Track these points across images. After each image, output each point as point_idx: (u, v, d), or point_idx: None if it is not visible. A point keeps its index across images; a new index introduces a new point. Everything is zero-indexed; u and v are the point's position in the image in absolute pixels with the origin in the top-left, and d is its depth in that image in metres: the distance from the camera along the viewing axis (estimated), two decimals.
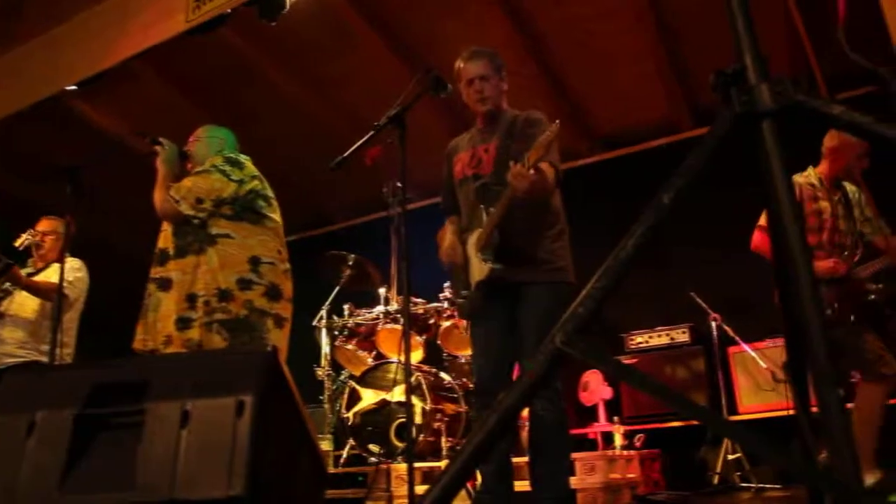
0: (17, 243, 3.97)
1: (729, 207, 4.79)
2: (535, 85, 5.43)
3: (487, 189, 2.77)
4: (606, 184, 5.96)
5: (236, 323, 2.83)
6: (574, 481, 3.51)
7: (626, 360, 5.04)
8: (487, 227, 2.70)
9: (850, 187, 3.55)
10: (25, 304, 3.93)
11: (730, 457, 4.29)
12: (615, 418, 4.74)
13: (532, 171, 2.46)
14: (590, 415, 4.99)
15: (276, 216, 3.14)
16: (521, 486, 2.92)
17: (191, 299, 2.83)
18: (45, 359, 3.78)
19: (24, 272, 4.00)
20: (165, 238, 2.99)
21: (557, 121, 2.52)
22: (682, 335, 5.09)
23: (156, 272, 2.94)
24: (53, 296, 3.54)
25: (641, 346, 5.21)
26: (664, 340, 5.15)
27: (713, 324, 4.74)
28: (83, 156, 3.71)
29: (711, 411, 4.25)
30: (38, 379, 1.91)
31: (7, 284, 3.93)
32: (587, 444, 4.75)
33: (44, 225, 4.15)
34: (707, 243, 5.13)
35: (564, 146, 6.20)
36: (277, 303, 2.96)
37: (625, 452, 4.17)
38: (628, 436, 4.58)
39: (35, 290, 3.89)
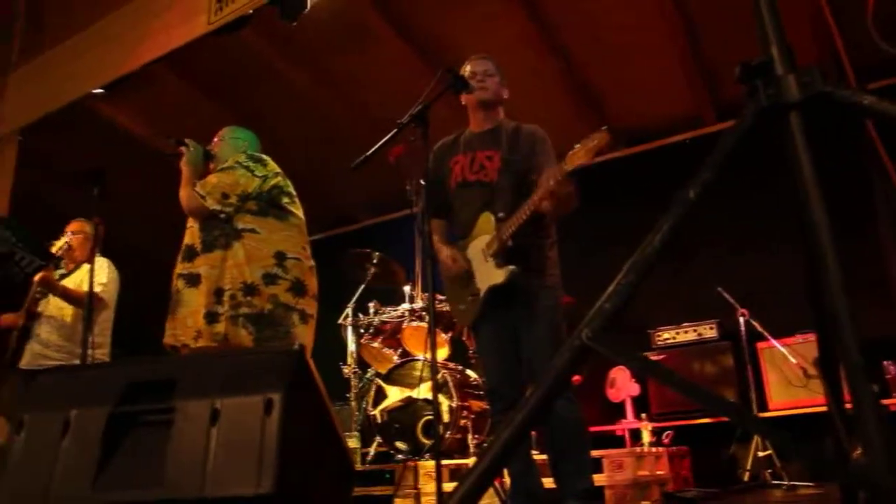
0: (53, 249, 4.02)
1: (754, 200, 4.74)
2: (554, 81, 5.41)
3: (495, 196, 2.79)
4: (627, 180, 5.92)
5: (261, 317, 2.85)
6: (602, 478, 3.50)
7: (653, 357, 5.00)
8: (504, 233, 2.71)
9: None
10: (62, 305, 4.00)
11: (760, 454, 4.24)
12: (643, 415, 4.71)
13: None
14: (617, 411, 4.97)
15: (300, 213, 3.17)
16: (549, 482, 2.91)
17: (218, 293, 2.85)
18: (78, 362, 3.84)
19: (56, 273, 4.08)
20: (192, 234, 3.02)
21: (605, 127, 2.51)
22: (709, 331, 5.04)
23: (183, 268, 2.96)
24: (85, 303, 3.59)
25: (668, 342, 5.16)
26: (691, 336, 5.10)
27: (741, 319, 4.68)
28: (109, 158, 3.79)
29: (741, 407, 4.20)
30: (71, 378, 1.94)
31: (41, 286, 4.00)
32: (615, 441, 4.72)
33: (73, 226, 4.22)
34: (733, 237, 5.08)
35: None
36: (303, 298, 2.98)
37: (653, 449, 4.14)
38: (656, 432, 4.54)
39: (69, 298, 3.95)
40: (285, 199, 3.11)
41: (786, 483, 4.04)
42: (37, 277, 3.87)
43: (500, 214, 2.75)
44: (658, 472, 3.96)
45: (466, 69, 2.97)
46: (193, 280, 2.90)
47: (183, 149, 3.14)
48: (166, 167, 3.35)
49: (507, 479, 2.98)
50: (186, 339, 2.84)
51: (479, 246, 2.82)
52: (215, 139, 3.34)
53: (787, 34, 1.00)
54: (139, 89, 5.23)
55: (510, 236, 2.69)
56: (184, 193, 3.02)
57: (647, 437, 4.47)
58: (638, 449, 4.05)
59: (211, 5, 4.24)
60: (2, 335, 4.17)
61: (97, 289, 3.91)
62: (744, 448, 4.40)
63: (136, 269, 4.33)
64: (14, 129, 5.29)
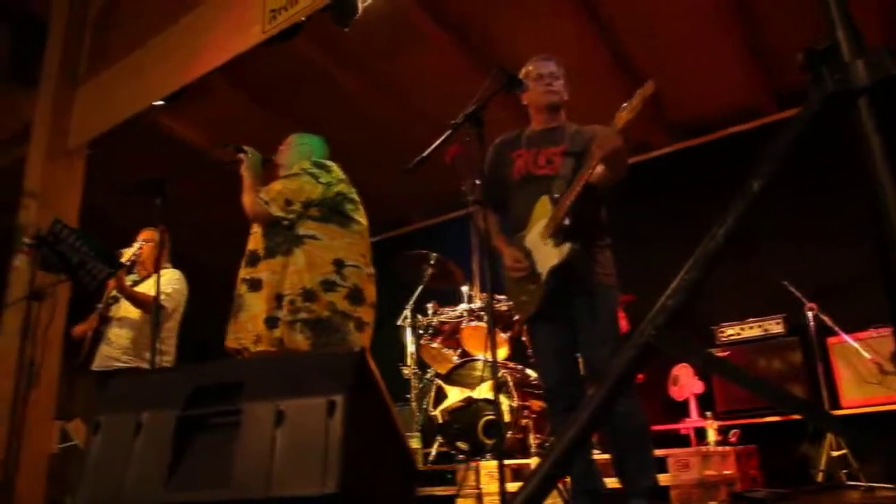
0: (124, 258, 4.16)
1: (821, 190, 4.59)
2: (607, 75, 5.33)
3: (554, 183, 2.79)
4: (684, 174, 5.81)
5: (318, 323, 2.86)
6: (667, 478, 3.44)
7: (717, 353, 4.89)
8: (560, 211, 2.70)
9: None
10: (131, 310, 4.14)
11: (834, 453, 4.09)
12: (707, 413, 4.60)
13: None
14: (680, 410, 4.87)
15: (363, 220, 3.18)
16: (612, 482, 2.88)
17: (278, 299, 2.89)
18: (146, 366, 3.97)
19: (129, 279, 4.23)
20: (255, 240, 3.07)
21: (651, 81, 2.54)
22: (775, 326, 4.89)
23: (246, 273, 3.01)
24: (151, 308, 3.71)
25: (732, 338, 5.03)
26: (756, 332, 4.96)
27: (809, 313, 4.53)
28: (170, 168, 3.91)
29: (815, 404, 4.07)
30: (142, 381, 2.01)
31: (114, 292, 4.15)
32: (679, 440, 4.62)
33: (143, 235, 4.36)
34: (798, 228, 4.92)
35: (638, 137, 6.13)
36: (360, 306, 2.99)
37: (719, 448, 4.04)
38: (722, 431, 4.43)
39: (135, 300, 4.09)
40: (349, 206, 3.12)
41: (863, 484, 3.89)
42: (112, 284, 4.01)
43: (556, 195, 2.75)
44: (725, 472, 3.86)
45: (529, 69, 2.96)
46: (255, 285, 2.95)
47: (241, 156, 3.20)
48: (222, 175, 3.43)
49: (569, 479, 2.95)
50: (247, 342, 2.89)
51: (537, 231, 2.80)
52: (282, 146, 3.39)
53: (854, 13, 0.96)
54: (196, 100, 5.36)
55: (566, 213, 2.67)
56: (247, 199, 3.06)
57: (712, 435, 4.37)
58: (704, 448, 3.96)
59: (264, 15, 4.32)
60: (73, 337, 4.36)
61: (160, 297, 4.04)
62: (816, 447, 4.26)
63: (192, 275, 4.44)
64: (82, 143, 5.49)
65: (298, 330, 2.84)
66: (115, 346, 4.10)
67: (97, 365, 4.09)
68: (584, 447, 2.27)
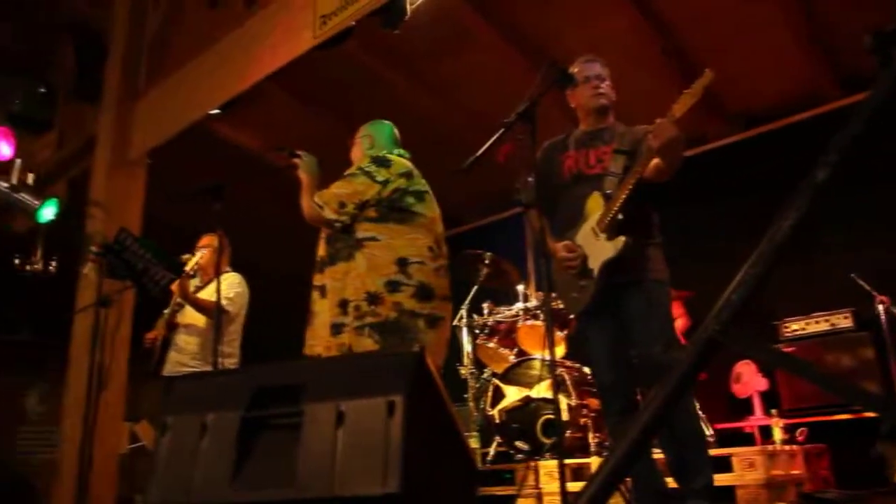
0: (188, 267, 4.27)
1: (888, 178, 4.42)
2: (661, 68, 5.23)
3: (604, 181, 2.78)
4: (744, 165, 5.66)
5: (386, 326, 2.83)
6: (732, 478, 3.35)
7: (782, 349, 4.74)
8: (610, 207, 2.69)
9: None
10: (197, 316, 4.26)
11: None
12: (773, 411, 4.47)
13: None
14: (744, 408, 4.74)
15: (429, 211, 3.13)
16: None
17: (343, 305, 2.89)
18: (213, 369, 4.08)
19: (192, 284, 4.34)
20: (322, 246, 3.09)
21: (710, 69, 2.56)
22: (843, 320, 4.72)
23: (317, 279, 3.03)
24: (209, 307, 3.79)
25: (798, 333, 4.87)
26: (823, 327, 4.79)
27: (880, 307, 4.36)
28: (227, 174, 3.99)
29: (893, 401, 3.91)
30: (206, 383, 2.06)
31: (179, 298, 4.27)
32: (742, 439, 4.51)
33: (203, 241, 4.47)
34: (865, 219, 4.74)
35: (695, 129, 5.99)
36: (429, 302, 2.92)
37: (787, 447, 3.92)
38: (789, 429, 4.30)
39: (199, 306, 4.19)
40: (409, 200, 3.06)
41: None
42: (174, 284, 4.13)
43: (608, 191, 2.74)
44: (793, 472, 3.75)
45: (575, 71, 2.93)
46: (323, 291, 2.97)
47: (296, 160, 3.24)
48: (278, 179, 3.49)
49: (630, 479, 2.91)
50: (319, 349, 2.91)
51: (589, 227, 2.79)
52: (353, 139, 3.42)
53: None
54: (251, 107, 5.46)
55: (620, 207, 2.66)
56: (305, 203, 3.07)
57: (778, 434, 4.24)
58: (770, 447, 3.85)
59: (315, 21, 4.37)
60: (141, 342, 4.50)
61: (223, 302, 4.13)
62: (893, 446, 4.08)
63: (251, 279, 4.52)
64: (143, 154, 5.66)
65: (367, 335, 2.82)
66: (184, 352, 4.21)
67: (168, 371, 4.21)
68: (646, 447, 2.24)
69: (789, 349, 4.75)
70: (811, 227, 0.97)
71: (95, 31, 6.21)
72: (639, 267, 2.72)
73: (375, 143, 3.33)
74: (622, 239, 2.65)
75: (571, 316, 4.52)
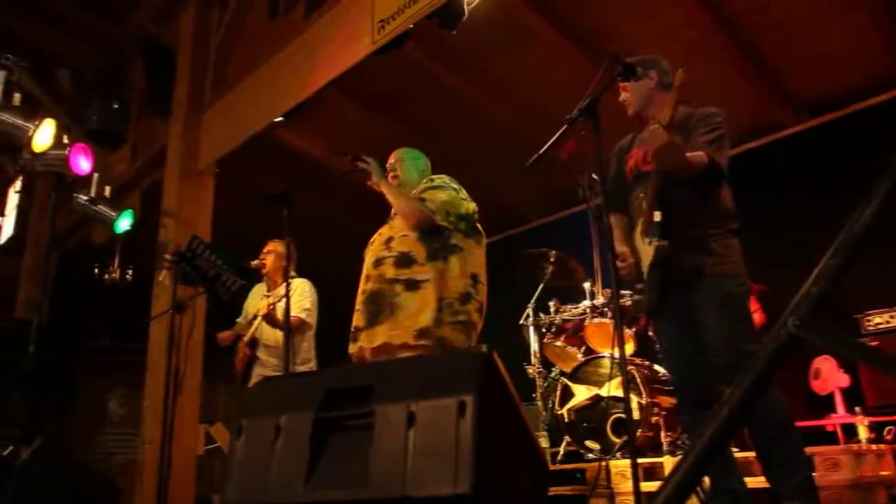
0: (263, 273, 4.36)
1: None
2: (725, 57, 5.09)
3: (646, 178, 2.72)
4: (816, 153, 5.45)
5: (468, 326, 3.04)
6: (815, 478, 3.23)
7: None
8: (647, 209, 2.65)
9: None
10: (275, 331, 4.34)
11: None
12: (857, 408, 4.28)
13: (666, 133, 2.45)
14: (824, 405, 4.56)
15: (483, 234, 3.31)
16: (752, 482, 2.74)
17: (440, 301, 3.00)
18: None
19: (260, 293, 4.44)
20: (407, 243, 3.13)
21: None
22: None
23: (399, 273, 3.08)
24: (294, 325, 3.88)
25: (881, 327, 4.65)
26: None
27: None
28: (291, 179, 4.08)
29: None
30: (279, 387, 2.10)
31: (258, 319, 4.36)
32: (824, 438, 4.33)
33: (268, 246, 4.56)
34: None
35: (765, 118, 5.81)
36: (481, 319, 3.14)
37: (873, 447, 3.75)
38: (874, 428, 4.11)
39: (281, 326, 4.28)
40: (478, 223, 3.26)
41: None
42: (261, 312, 4.23)
43: (642, 194, 2.71)
44: (882, 473, 3.58)
45: None
46: (413, 285, 3.03)
47: (363, 165, 3.28)
48: (341, 184, 3.54)
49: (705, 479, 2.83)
50: (406, 338, 2.96)
51: (639, 229, 2.76)
52: (392, 159, 3.48)
53: None
54: (313, 114, 5.56)
55: (651, 207, 2.61)
56: (405, 204, 3.16)
57: (863, 432, 4.06)
58: (855, 446, 3.69)
59: (373, 26, 4.42)
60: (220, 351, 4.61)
61: (302, 314, 4.24)
62: None
63: (314, 282, 4.60)
64: (211, 163, 5.83)
65: (460, 331, 3.00)
66: (266, 366, 4.32)
67: (252, 385, 4.30)
68: (724, 446, 2.17)
69: (873, 343, 4.54)
70: (892, 213, 0.93)
71: (164, 47, 6.43)
72: (699, 263, 2.61)
73: (426, 168, 3.49)
74: (656, 244, 2.60)
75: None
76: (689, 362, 2.67)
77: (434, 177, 3.33)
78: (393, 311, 3.03)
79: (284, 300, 3.57)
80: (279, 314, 4.15)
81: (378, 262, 3.15)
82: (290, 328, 3.63)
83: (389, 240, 3.18)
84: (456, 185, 3.27)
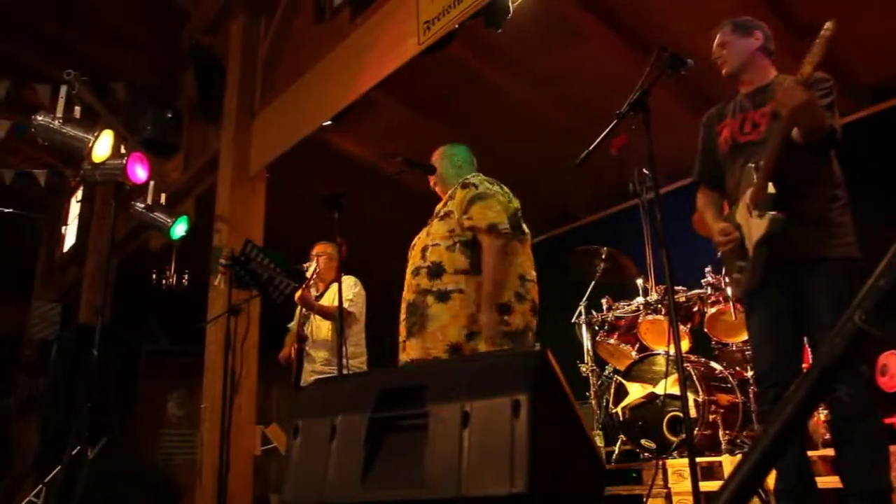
0: (308, 273, 4.42)
1: None
2: (783, 43, 4.94)
3: (762, 150, 2.51)
4: (880, 140, 5.25)
5: (516, 335, 2.96)
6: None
7: None
8: (761, 180, 2.44)
9: None
10: (322, 326, 4.41)
11: None
12: None
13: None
14: (892, 402, 4.40)
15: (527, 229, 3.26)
16: (823, 481, 2.64)
17: (469, 317, 2.95)
18: (346, 372, 4.21)
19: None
20: (438, 253, 3.09)
21: (832, 20, 2.31)
22: None
23: (430, 284, 3.05)
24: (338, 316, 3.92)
25: None
26: None
27: None
28: (340, 182, 4.11)
29: None
30: (333, 387, 2.13)
31: (304, 310, 4.43)
32: (892, 437, 4.17)
33: (317, 248, 4.62)
34: None
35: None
36: (535, 317, 3.09)
37: None
38: None
39: (323, 313, 4.34)
40: (522, 221, 3.21)
41: None
42: (297, 296, 4.29)
43: (760, 163, 2.47)
44: None
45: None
46: (444, 297, 2.99)
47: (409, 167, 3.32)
48: (391, 186, 3.55)
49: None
50: (438, 352, 2.93)
51: (744, 203, 2.55)
52: (434, 157, 3.48)
53: None
54: (361, 116, 5.60)
55: (768, 177, 2.40)
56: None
57: None
58: None
59: (419, 27, 4.43)
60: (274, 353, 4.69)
61: (345, 304, 4.26)
62: None
63: (366, 285, 4.63)
64: (261, 168, 5.93)
65: (499, 343, 2.91)
66: (316, 361, 4.37)
67: (304, 381, 4.36)
68: (790, 444, 2.10)
69: None
70: None
71: (214, 56, 6.57)
72: (816, 241, 2.43)
73: (465, 160, 3.44)
74: (770, 215, 2.39)
75: (695, 309, 4.37)
76: (784, 350, 2.49)
77: (470, 178, 3.23)
78: (424, 325, 3.01)
79: (332, 298, 3.61)
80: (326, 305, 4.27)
81: (416, 272, 3.15)
82: (342, 317, 3.65)
83: (425, 249, 3.16)
84: (497, 186, 3.19)
